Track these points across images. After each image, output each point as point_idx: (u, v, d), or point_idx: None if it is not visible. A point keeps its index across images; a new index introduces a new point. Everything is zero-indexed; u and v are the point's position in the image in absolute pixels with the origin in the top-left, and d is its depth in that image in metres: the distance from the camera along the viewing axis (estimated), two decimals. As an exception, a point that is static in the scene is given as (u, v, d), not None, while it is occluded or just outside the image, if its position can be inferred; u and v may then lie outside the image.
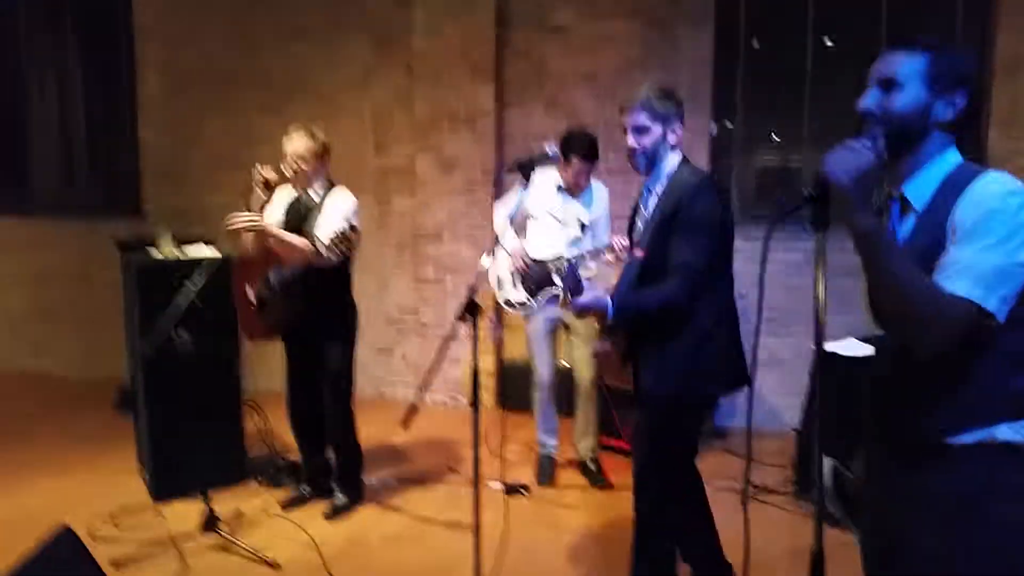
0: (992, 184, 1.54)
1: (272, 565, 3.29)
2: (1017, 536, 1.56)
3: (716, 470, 4.14)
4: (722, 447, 4.64)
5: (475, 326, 2.56)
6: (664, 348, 2.64)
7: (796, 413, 4.24)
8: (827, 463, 3.45)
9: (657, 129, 2.61)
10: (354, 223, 3.43)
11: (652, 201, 2.68)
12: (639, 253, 2.58)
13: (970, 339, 1.52)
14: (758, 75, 5.12)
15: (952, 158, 1.64)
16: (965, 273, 1.49)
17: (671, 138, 2.64)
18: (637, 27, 5.14)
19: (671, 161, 2.67)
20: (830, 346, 3.73)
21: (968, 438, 1.57)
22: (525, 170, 2.74)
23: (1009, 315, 1.51)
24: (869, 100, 1.65)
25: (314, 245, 3.46)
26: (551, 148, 2.83)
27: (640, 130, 2.61)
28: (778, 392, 4.91)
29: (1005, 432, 1.56)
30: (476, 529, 2.60)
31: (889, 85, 1.63)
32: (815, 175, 1.52)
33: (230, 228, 3.51)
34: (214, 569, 3.29)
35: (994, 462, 1.57)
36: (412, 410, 2.57)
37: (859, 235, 1.49)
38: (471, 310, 2.57)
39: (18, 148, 6.81)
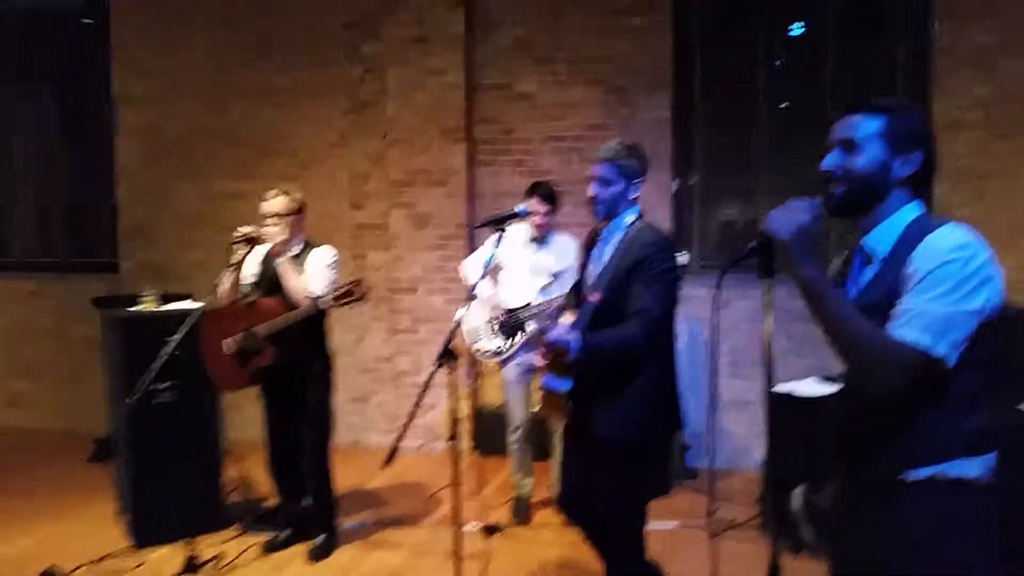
0: (945, 237, 1.65)
1: (255, 606, 3.40)
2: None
3: (687, 509, 4.36)
4: (692, 487, 4.83)
5: (452, 371, 2.76)
6: (621, 393, 2.78)
7: (763, 452, 4.47)
8: (797, 491, 3.63)
9: (619, 184, 2.82)
10: (335, 275, 3.65)
11: (608, 250, 2.87)
12: (594, 297, 2.79)
13: (922, 382, 1.63)
14: (714, 135, 5.48)
15: (911, 212, 1.76)
16: (916, 321, 1.61)
17: (631, 193, 2.86)
18: (598, 93, 5.49)
19: (629, 216, 2.88)
20: (789, 386, 3.98)
21: (922, 473, 1.68)
22: (496, 225, 2.99)
23: (960, 359, 1.62)
24: (830, 161, 1.77)
25: (312, 301, 3.63)
26: (519, 208, 3.07)
27: (604, 182, 2.82)
28: (746, 432, 5.15)
29: (957, 469, 1.67)
30: (457, 563, 2.76)
31: (849, 146, 1.75)
32: (760, 230, 1.71)
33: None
34: (198, 611, 3.38)
35: (945, 499, 1.67)
36: (393, 451, 2.75)
37: (801, 284, 1.66)
38: (448, 356, 2.77)
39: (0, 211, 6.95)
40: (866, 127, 1.75)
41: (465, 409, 5.54)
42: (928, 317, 1.60)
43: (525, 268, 4.29)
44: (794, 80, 5.38)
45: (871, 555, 1.77)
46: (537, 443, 4.52)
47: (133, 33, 6.26)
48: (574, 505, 3.04)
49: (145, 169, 6.31)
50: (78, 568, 3.70)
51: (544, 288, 4.26)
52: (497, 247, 3.22)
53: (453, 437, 2.78)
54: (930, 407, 1.67)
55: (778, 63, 5.39)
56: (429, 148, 5.62)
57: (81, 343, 6.20)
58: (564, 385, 2.79)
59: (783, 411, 3.89)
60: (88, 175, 6.63)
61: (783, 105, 5.39)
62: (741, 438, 5.17)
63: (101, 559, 3.86)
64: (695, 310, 4.87)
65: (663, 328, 2.81)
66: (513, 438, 4.36)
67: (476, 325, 4.35)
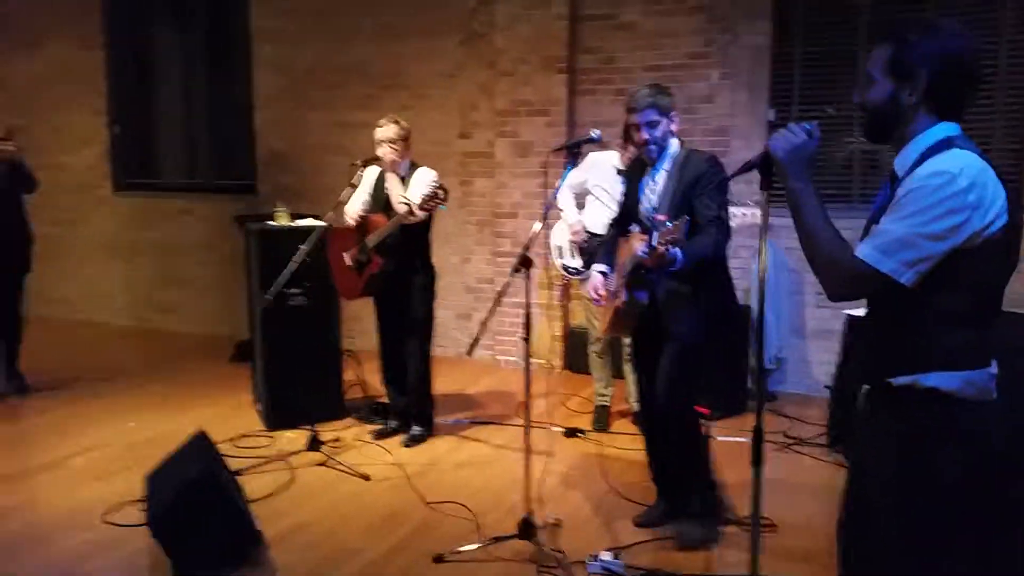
0: (933, 163, 1.71)
1: (364, 478, 3.97)
2: (929, 476, 1.77)
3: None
4: (769, 408, 5.06)
5: (528, 277, 3.13)
6: (697, 300, 3.14)
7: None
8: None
9: (664, 122, 3.15)
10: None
11: (662, 177, 3.21)
12: (661, 217, 3.07)
13: (881, 295, 1.79)
14: (813, 66, 5.46)
15: (936, 134, 1.78)
16: (875, 238, 1.74)
17: (672, 126, 3.19)
18: (699, 22, 5.57)
19: (674, 145, 3.21)
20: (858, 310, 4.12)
21: (901, 380, 1.80)
22: (571, 150, 3.29)
23: (941, 278, 1.71)
24: (856, 94, 1.88)
25: (408, 208, 4.08)
26: (595, 132, 3.34)
27: (651, 124, 3.14)
28: (830, 359, 5.27)
29: (934, 380, 1.76)
30: (527, 455, 3.20)
31: (867, 79, 1.85)
32: (763, 147, 1.96)
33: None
34: (316, 480, 3.98)
35: (920, 407, 1.79)
36: (474, 342, 3.21)
37: (788, 193, 1.86)
38: (524, 263, 3.14)
39: (150, 136, 7.79)
40: (878, 59, 1.83)
41: (557, 330, 5.94)
42: (885, 236, 1.72)
43: (612, 198, 4.55)
44: (894, 13, 5.26)
45: (860, 457, 1.98)
46: (614, 358, 4.84)
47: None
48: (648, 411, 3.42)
49: (279, 100, 6.92)
50: (222, 443, 4.36)
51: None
52: (572, 170, 3.46)
53: (527, 337, 3.16)
54: (910, 321, 1.79)
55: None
56: (533, 79, 5.90)
57: (224, 257, 6.98)
58: (643, 297, 3.13)
59: (853, 330, 4.05)
60: (230, 105, 7.32)
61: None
62: (823, 366, 5.30)
63: (240, 437, 4.53)
64: (781, 239, 5.00)
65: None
66: (594, 350, 4.72)
67: (560, 244, 4.68)
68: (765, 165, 1.96)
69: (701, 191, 3.07)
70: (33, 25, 7.68)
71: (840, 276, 1.79)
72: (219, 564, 3.08)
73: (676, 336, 3.20)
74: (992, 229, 1.70)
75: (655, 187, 3.22)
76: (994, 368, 1.80)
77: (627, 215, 3.43)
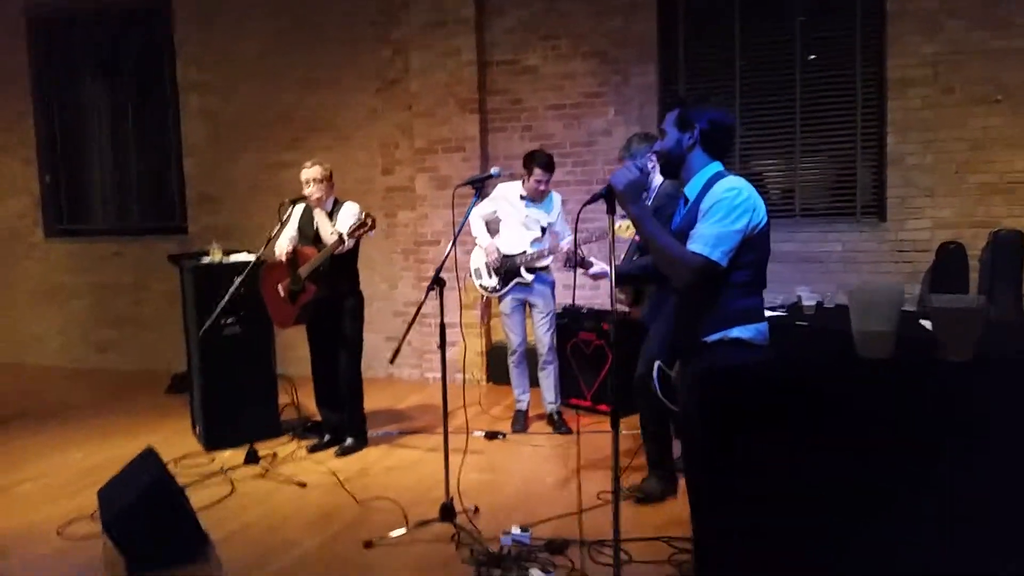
0: (722, 184, 2.49)
1: (301, 485, 4.34)
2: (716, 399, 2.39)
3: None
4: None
5: (440, 295, 3.61)
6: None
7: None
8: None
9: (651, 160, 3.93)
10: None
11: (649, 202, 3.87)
12: None
13: (709, 277, 2.44)
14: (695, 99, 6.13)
15: (713, 168, 2.57)
16: (699, 239, 2.44)
17: (649, 164, 3.94)
18: (593, 65, 6.21)
19: (657, 179, 3.96)
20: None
21: (713, 337, 2.53)
22: (475, 185, 3.80)
23: (733, 261, 2.43)
24: (657, 144, 2.78)
25: (339, 237, 4.50)
26: (495, 169, 3.87)
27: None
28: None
29: (737, 332, 2.52)
30: (445, 449, 3.72)
31: (661, 132, 2.67)
32: (607, 182, 2.54)
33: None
34: (256, 490, 4.32)
35: (727, 351, 2.51)
36: (396, 351, 3.67)
37: (632, 217, 2.51)
38: (437, 282, 3.62)
39: (82, 183, 8.04)
40: (669, 118, 2.64)
41: (480, 345, 6.42)
42: (707, 236, 2.43)
43: (519, 222, 5.08)
44: (762, 46, 6.01)
45: (686, 395, 2.61)
46: (530, 367, 5.33)
47: (193, 29, 7.21)
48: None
49: (208, 145, 7.29)
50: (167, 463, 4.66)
51: (536, 240, 5.05)
52: (476, 201, 3.97)
53: (442, 346, 3.63)
54: (716, 293, 2.51)
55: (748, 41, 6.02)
56: (449, 119, 6.43)
57: (158, 295, 7.27)
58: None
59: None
60: (159, 151, 7.65)
61: (810, 57, 5.96)
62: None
63: (181, 458, 4.83)
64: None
65: None
66: (512, 360, 5.21)
67: (478, 266, 5.18)
68: (609, 196, 2.53)
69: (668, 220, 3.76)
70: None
71: (686, 267, 2.45)
72: (170, 562, 3.41)
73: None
74: (761, 225, 2.48)
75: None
76: (766, 324, 2.56)
77: None
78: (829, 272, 5.61)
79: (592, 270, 3.35)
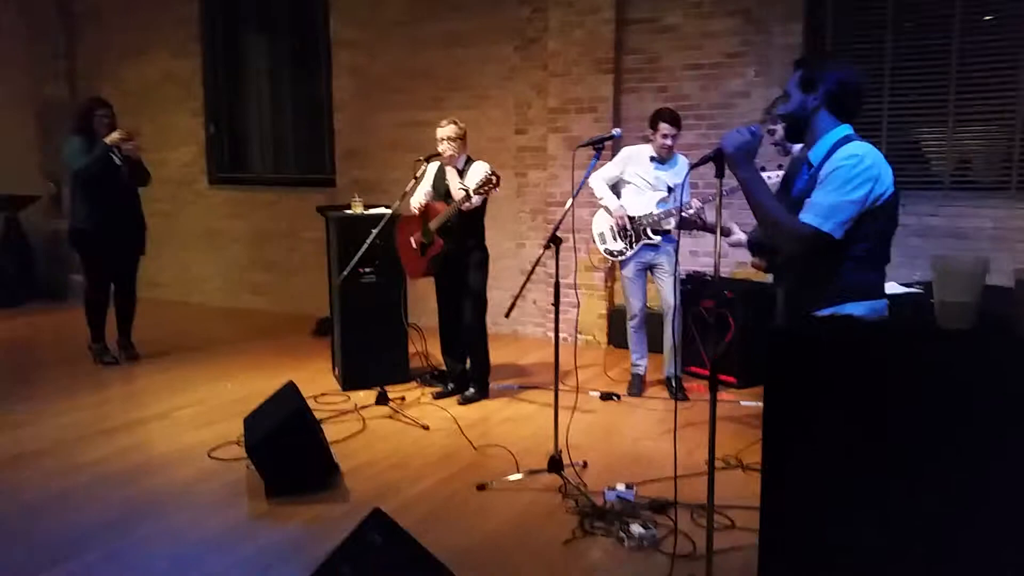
0: (844, 150, 2.34)
1: (425, 428, 4.62)
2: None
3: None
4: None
5: (556, 253, 3.71)
6: None
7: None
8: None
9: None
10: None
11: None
12: None
13: (819, 249, 2.32)
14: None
15: (840, 132, 2.40)
16: (812, 208, 2.34)
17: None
18: (736, 24, 6.02)
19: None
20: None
21: (826, 311, 2.39)
22: (596, 145, 3.84)
23: (850, 233, 2.31)
24: (780, 108, 2.63)
25: (466, 193, 4.68)
26: (616, 131, 3.90)
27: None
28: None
29: (850, 308, 2.37)
30: (555, 404, 3.86)
31: (785, 95, 2.54)
32: (717, 144, 2.47)
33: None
34: (384, 428, 4.65)
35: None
36: (512, 306, 3.82)
37: (740, 181, 2.42)
38: (554, 240, 3.72)
39: (240, 135, 8.65)
40: (792, 80, 2.50)
41: (602, 308, 6.49)
42: (821, 205, 2.33)
43: (647, 183, 5.07)
44: (918, 7, 5.62)
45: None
46: (649, 332, 5.34)
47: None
48: None
49: (355, 102, 7.65)
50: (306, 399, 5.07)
51: (661, 201, 5.03)
52: (595, 162, 3.99)
53: (555, 303, 3.75)
54: (831, 266, 2.39)
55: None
56: (583, 79, 6.44)
57: (308, 242, 7.76)
58: None
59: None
60: (312, 106, 8.10)
61: (986, 18, 5.63)
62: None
63: (320, 395, 5.23)
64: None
65: None
66: (632, 324, 5.26)
67: (602, 230, 5.23)
68: (718, 158, 2.47)
69: None
70: (139, 37, 8.62)
71: (793, 237, 2.39)
72: (304, 487, 3.75)
73: None
74: (885, 196, 2.34)
75: None
76: (886, 301, 2.41)
77: None
78: (977, 250, 5.25)
79: (732, 238, 3.33)
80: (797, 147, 3.85)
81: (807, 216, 2.34)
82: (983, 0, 5.42)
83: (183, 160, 8.65)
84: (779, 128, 4.00)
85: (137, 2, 8.59)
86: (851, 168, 2.31)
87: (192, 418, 4.90)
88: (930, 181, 5.62)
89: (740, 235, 3.22)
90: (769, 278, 4.20)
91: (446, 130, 4.92)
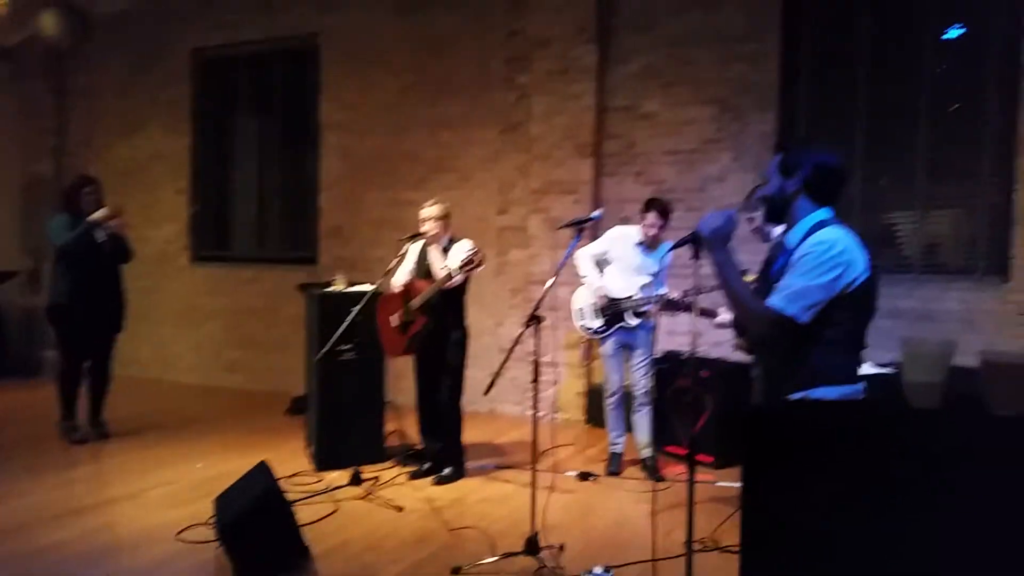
0: (816, 236, 2.35)
1: (398, 509, 4.52)
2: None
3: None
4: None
5: (536, 331, 3.72)
6: None
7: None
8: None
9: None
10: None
11: None
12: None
13: (786, 332, 2.31)
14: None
15: (816, 216, 2.41)
16: (779, 291, 2.34)
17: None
18: (712, 112, 6.23)
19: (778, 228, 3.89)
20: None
21: (795, 396, 2.35)
22: (577, 226, 3.91)
23: (824, 318, 2.29)
24: (760, 191, 2.64)
25: (448, 273, 4.72)
26: (596, 213, 3.99)
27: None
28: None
29: (820, 393, 2.34)
30: (533, 486, 3.79)
31: (765, 179, 2.57)
32: (695, 228, 2.50)
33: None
34: (357, 510, 4.54)
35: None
36: (491, 384, 3.80)
37: (713, 264, 2.43)
38: (535, 319, 3.74)
39: (225, 213, 8.72)
40: (772, 164, 2.52)
41: (580, 387, 6.47)
42: (789, 289, 2.32)
43: (631, 266, 5.13)
44: (887, 97, 5.85)
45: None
46: (626, 411, 5.32)
47: (337, 71, 7.74)
48: None
49: (341, 181, 7.77)
50: (279, 480, 4.96)
51: (644, 286, 5.09)
52: (575, 242, 4.09)
53: (535, 378, 3.74)
54: (801, 350, 2.37)
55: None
56: (564, 162, 6.60)
57: (286, 320, 7.74)
58: None
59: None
60: (299, 185, 8.21)
61: (951, 106, 5.80)
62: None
63: (292, 475, 5.12)
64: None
65: None
66: (610, 402, 5.24)
67: (582, 307, 5.26)
68: (695, 241, 2.51)
69: None
70: (131, 115, 8.78)
71: (761, 321, 2.39)
72: (275, 570, 3.64)
73: None
74: (858, 282, 2.32)
75: None
76: (861, 386, 2.37)
77: None
78: (946, 333, 5.32)
79: (716, 319, 3.38)
80: (776, 232, 3.94)
81: (773, 299, 2.35)
82: (949, 90, 5.66)
83: (166, 237, 8.68)
84: (758, 215, 4.09)
85: (131, 81, 8.78)
86: (820, 255, 2.31)
87: (161, 498, 4.77)
88: (901, 265, 5.75)
89: (725, 316, 3.25)
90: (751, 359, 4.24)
91: (431, 210, 5.00)
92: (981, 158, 5.58)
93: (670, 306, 4.85)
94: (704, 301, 4.64)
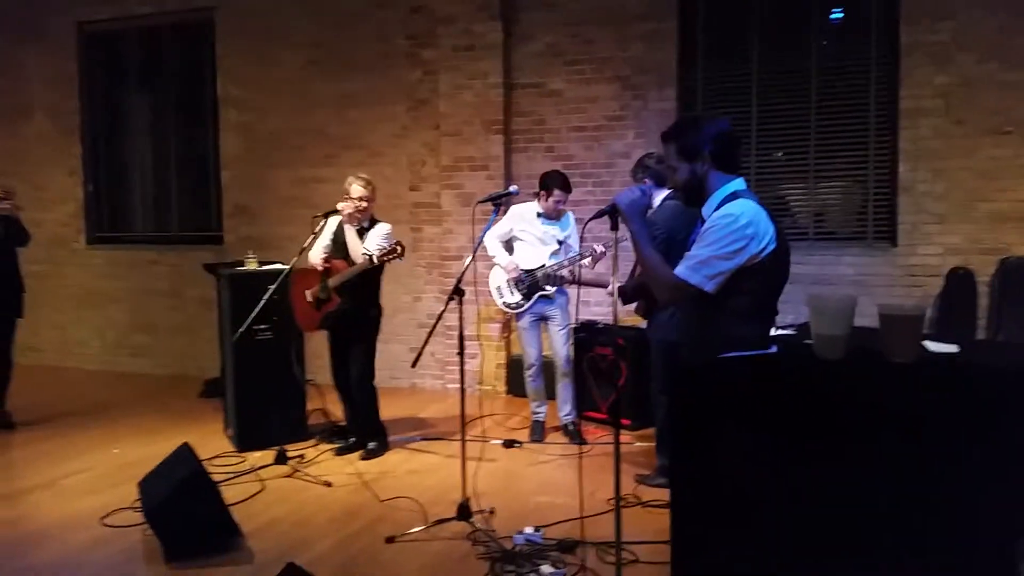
0: (724, 208, 2.47)
1: (327, 484, 4.57)
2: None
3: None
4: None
5: (460, 304, 3.85)
6: None
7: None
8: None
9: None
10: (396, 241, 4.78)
11: None
12: None
13: (687, 298, 2.50)
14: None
15: (728, 188, 2.52)
16: (686, 260, 2.49)
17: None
18: (615, 89, 6.44)
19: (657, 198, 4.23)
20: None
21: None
22: (496, 201, 4.04)
23: (732, 287, 2.43)
24: (669, 183, 2.90)
25: (369, 259, 4.75)
26: (513, 187, 4.13)
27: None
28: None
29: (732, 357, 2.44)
30: (463, 454, 3.91)
31: (671, 169, 2.65)
32: (611, 201, 2.67)
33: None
34: (284, 488, 4.57)
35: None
36: (417, 357, 3.91)
37: (631, 233, 2.59)
38: (457, 292, 3.86)
39: (124, 193, 8.40)
40: (668, 153, 2.63)
41: (501, 359, 6.65)
42: (694, 260, 2.48)
43: (538, 238, 5.31)
44: (778, 73, 6.22)
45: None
46: (546, 380, 5.53)
47: (233, 46, 7.56)
48: None
49: (244, 159, 7.61)
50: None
51: (553, 253, 5.27)
52: (494, 217, 4.24)
53: (461, 351, 3.86)
54: (712, 318, 2.54)
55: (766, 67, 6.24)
56: (474, 139, 6.69)
57: (192, 302, 7.58)
58: None
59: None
60: (197, 163, 7.99)
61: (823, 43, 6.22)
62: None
63: (214, 457, 5.08)
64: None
65: None
66: (529, 374, 5.43)
67: (499, 285, 5.41)
68: (612, 213, 2.69)
69: None
70: (19, 95, 8.31)
71: (666, 287, 2.56)
72: (204, 551, 3.65)
73: None
74: (765, 253, 2.46)
75: None
76: (774, 349, 2.58)
77: None
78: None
79: (609, 288, 3.56)
80: (657, 201, 4.24)
81: (680, 268, 2.49)
82: (836, 68, 6.05)
83: (60, 219, 8.30)
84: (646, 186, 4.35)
85: (12, 57, 8.30)
86: (724, 227, 2.43)
87: (79, 485, 4.67)
88: (797, 233, 6.14)
89: (613, 286, 3.46)
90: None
91: (365, 190, 4.97)
92: (868, 132, 6.01)
93: (581, 261, 5.07)
94: (590, 274, 5.06)
